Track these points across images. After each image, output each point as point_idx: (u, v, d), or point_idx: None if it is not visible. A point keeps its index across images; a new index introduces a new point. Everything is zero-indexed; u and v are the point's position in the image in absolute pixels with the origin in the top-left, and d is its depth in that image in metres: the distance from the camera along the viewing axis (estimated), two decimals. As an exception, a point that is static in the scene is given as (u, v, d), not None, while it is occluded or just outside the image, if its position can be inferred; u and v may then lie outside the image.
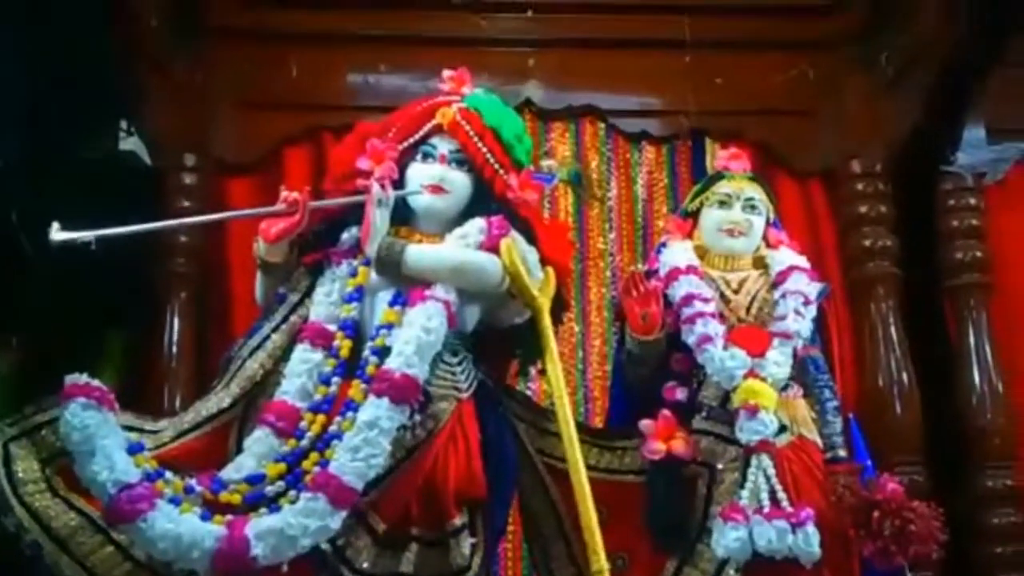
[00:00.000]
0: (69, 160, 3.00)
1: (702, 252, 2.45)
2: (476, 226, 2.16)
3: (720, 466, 2.17)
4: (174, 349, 3.00)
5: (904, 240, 3.30)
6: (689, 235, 2.48)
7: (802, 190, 3.41)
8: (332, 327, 2.13)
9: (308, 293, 2.20)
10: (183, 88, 3.18)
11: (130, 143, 3.21)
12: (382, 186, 2.14)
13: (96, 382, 1.86)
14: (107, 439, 1.79)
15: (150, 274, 3.05)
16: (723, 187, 2.46)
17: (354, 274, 2.18)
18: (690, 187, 3.30)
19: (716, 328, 2.26)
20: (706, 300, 2.29)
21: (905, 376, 3.11)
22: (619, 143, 3.43)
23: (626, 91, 3.42)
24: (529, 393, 2.95)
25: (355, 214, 2.19)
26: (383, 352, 2.05)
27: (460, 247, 2.13)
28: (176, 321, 3.02)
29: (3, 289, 2.82)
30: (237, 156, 3.29)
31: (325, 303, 2.16)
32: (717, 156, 2.56)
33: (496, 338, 2.23)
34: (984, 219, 3.33)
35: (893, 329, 3.18)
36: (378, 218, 2.12)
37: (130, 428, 1.96)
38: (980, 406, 3.17)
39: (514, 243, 2.15)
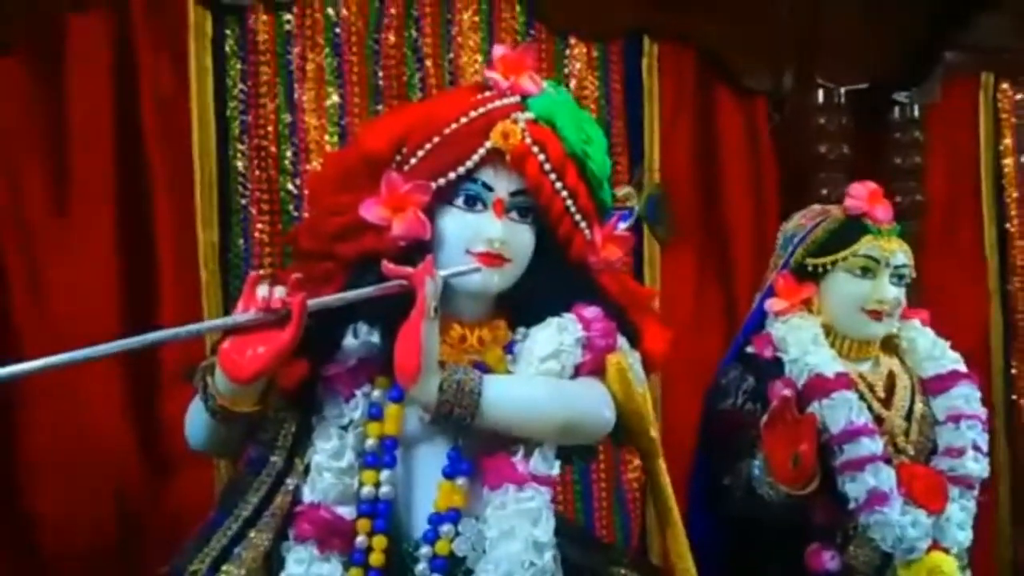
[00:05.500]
0: None
1: (824, 331, 1.81)
2: (570, 336, 1.37)
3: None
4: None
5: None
6: (808, 303, 1.81)
7: (746, 112, 2.84)
8: (347, 512, 1.30)
9: (296, 447, 1.32)
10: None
11: None
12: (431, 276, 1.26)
13: None
14: None
15: None
16: (869, 247, 1.80)
17: (377, 415, 1.32)
18: (623, 98, 2.67)
19: (890, 478, 1.67)
20: (872, 433, 1.68)
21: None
22: (542, 37, 2.62)
23: (553, -28, 2.59)
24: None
25: (364, 304, 1.31)
26: (450, 565, 1.27)
27: (556, 380, 1.34)
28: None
29: None
30: (-3, 31, 2.09)
31: (332, 470, 1.30)
32: (851, 194, 1.86)
33: None
34: (926, 158, 2.95)
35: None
36: (432, 339, 1.26)
37: None
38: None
39: (625, 359, 1.39)
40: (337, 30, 2.41)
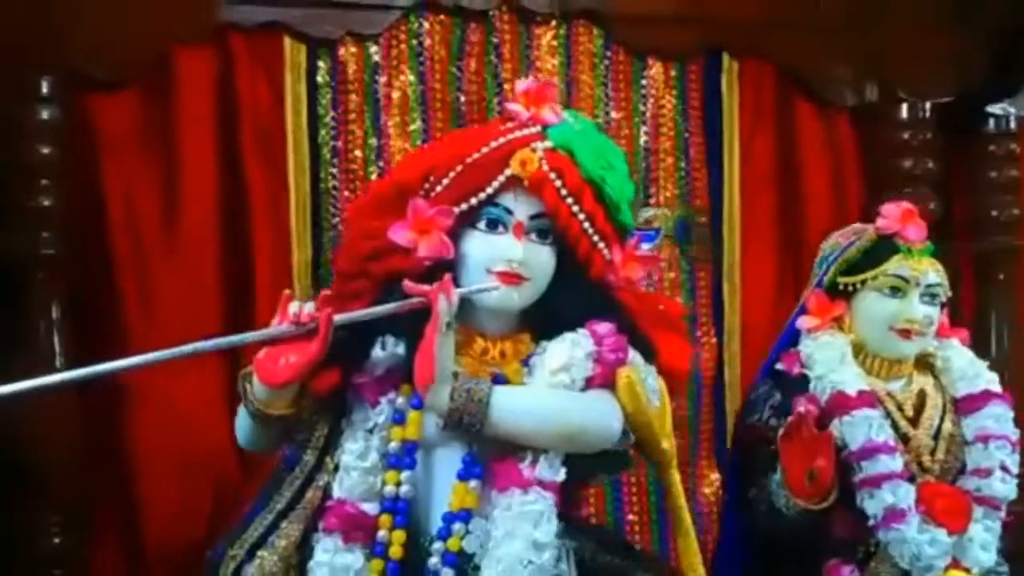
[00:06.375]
0: None
1: (855, 348, 1.84)
2: (582, 350, 1.46)
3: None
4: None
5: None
6: (838, 320, 1.85)
7: (828, 126, 2.85)
8: (371, 508, 1.44)
9: (327, 447, 1.47)
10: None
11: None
12: (447, 294, 1.38)
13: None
14: None
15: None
16: (899, 267, 1.81)
17: (400, 420, 1.46)
18: (702, 115, 2.72)
19: (908, 496, 1.71)
20: (892, 451, 1.71)
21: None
22: (619, 58, 2.69)
23: (632, -8, 2.66)
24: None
25: (391, 319, 1.44)
26: (460, 561, 1.39)
27: (565, 391, 1.44)
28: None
29: None
30: (111, 68, 2.34)
31: (358, 469, 1.44)
32: (883, 214, 1.88)
33: (575, 464, 1.55)
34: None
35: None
36: (445, 351, 1.38)
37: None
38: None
39: (636, 372, 1.47)
40: (421, 59, 2.55)
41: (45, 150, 2.24)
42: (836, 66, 2.77)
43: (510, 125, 1.51)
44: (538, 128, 1.50)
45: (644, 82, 2.72)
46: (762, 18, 2.72)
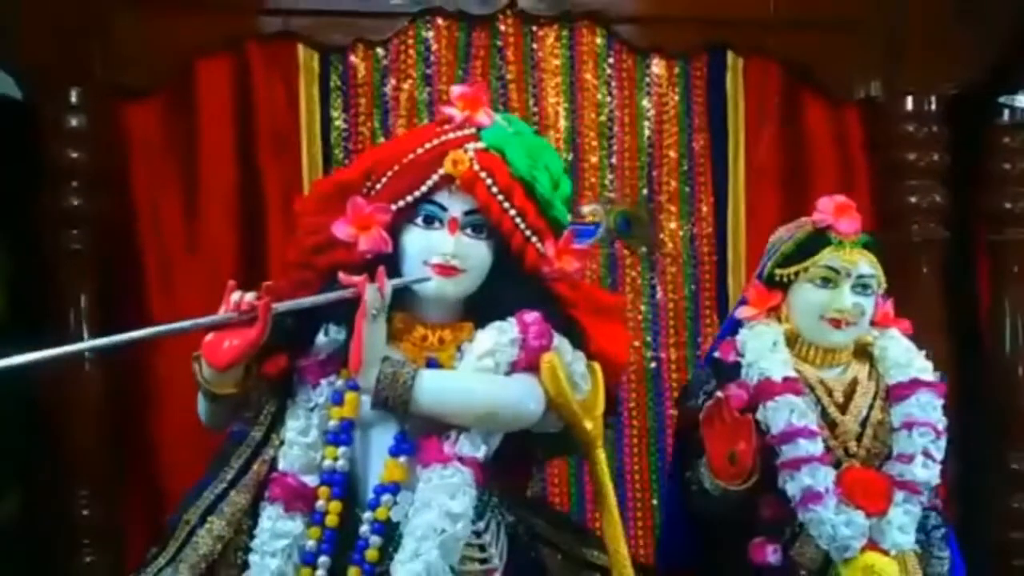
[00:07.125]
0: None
1: (791, 337, 1.90)
2: (506, 336, 1.57)
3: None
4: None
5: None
6: (775, 310, 1.91)
7: (835, 119, 2.86)
8: (311, 480, 1.57)
9: (273, 425, 1.61)
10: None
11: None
12: (378, 287, 1.50)
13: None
14: None
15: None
16: (830, 258, 1.85)
17: (338, 401, 1.58)
18: (706, 111, 2.77)
19: (826, 479, 1.76)
20: (812, 435, 1.77)
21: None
22: (622, 57, 2.76)
23: (634, -7, 2.73)
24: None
25: (333, 307, 1.57)
26: (387, 529, 1.51)
27: (487, 374, 1.55)
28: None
29: None
30: (137, 77, 2.54)
31: (300, 445, 1.58)
32: (818, 207, 1.93)
33: (517, 444, 1.67)
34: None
35: (933, 304, 2.75)
36: (374, 336, 1.51)
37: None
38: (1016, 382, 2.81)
39: (559, 358, 1.57)
40: (428, 62, 2.68)
41: (75, 154, 2.44)
42: (840, 61, 2.78)
43: (446, 127, 1.62)
44: (472, 130, 1.61)
45: (647, 80, 2.78)
46: (766, 15, 2.75)
